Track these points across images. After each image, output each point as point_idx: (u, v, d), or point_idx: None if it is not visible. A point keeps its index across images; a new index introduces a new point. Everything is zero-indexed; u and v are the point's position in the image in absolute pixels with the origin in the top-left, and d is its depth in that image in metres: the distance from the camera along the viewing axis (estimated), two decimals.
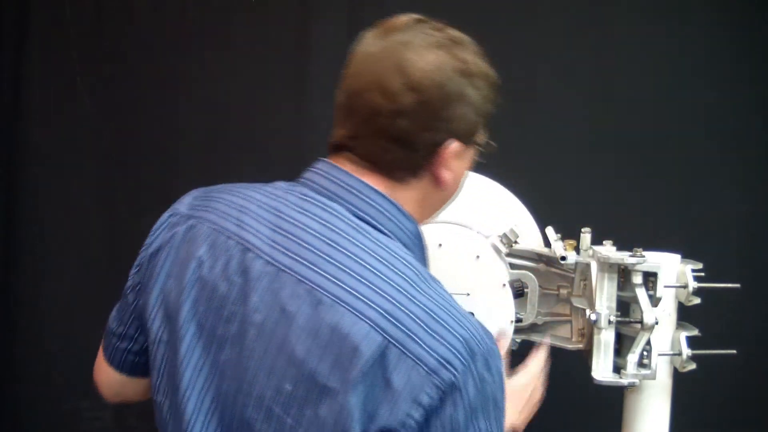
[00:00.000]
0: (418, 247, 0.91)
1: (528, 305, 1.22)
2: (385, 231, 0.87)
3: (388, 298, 0.80)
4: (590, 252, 1.17)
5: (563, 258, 1.17)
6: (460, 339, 0.80)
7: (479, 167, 0.99)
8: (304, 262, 0.83)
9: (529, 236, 1.28)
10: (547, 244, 1.26)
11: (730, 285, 1.15)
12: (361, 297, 0.80)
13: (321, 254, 0.83)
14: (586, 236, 1.19)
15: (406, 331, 0.79)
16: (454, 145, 0.88)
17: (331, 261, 0.83)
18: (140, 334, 0.96)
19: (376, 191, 0.88)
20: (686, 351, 1.13)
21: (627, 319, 1.14)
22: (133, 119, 1.94)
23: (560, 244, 1.19)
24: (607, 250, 1.15)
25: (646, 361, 1.12)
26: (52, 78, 1.93)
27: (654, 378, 1.12)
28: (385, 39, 0.89)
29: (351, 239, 0.84)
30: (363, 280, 0.81)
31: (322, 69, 1.81)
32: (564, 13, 1.82)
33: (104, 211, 1.95)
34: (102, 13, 1.93)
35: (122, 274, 1.00)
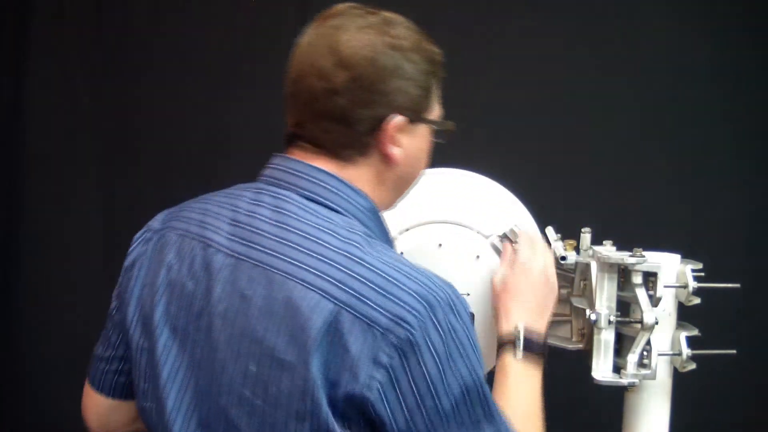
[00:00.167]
0: (374, 222, 0.92)
1: None
2: (336, 208, 0.89)
3: (336, 266, 0.82)
4: (590, 252, 1.17)
5: (563, 258, 1.17)
6: (414, 294, 0.80)
7: (440, 148, 0.99)
8: (258, 248, 0.86)
9: None
10: (547, 244, 1.26)
11: (730, 285, 1.15)
12: (309, 269, 0.82)
13: (272, 237, 0.86)
14: (586, 236, 1.19)
15: (357, 295, 0.80)
16: (396, 119, 0.89)
17: (281, 241, 0.85)
18: (129, 353, 0.96)
19: (323, 171, 0.90)
20: (686, 351, 1.13)
21: (627, 319, 1.14)
22: (133, 119, 1.94)
23: (560, 244, 1.19)
24: (607, 250, 1.15)
25: (646, 361, 1.12)
26: (52, 78, 1.93)
27: (654, 378, 1.12)
28: (320, 27, 0.91)
29: (299, 218, 0.86)
30: (311, 253, 0.83)
31: None
32: (564, 13, 1.83)
33: (104, 211, 1.95)
34: (102, 13, 1.93)
35: None
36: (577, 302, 1.19)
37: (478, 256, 1.18)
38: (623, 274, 1.15)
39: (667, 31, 1.81)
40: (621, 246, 1.15)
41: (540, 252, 1.13)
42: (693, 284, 1.12)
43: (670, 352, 1.15)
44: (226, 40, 1.90)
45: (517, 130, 1.83)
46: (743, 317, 1.72)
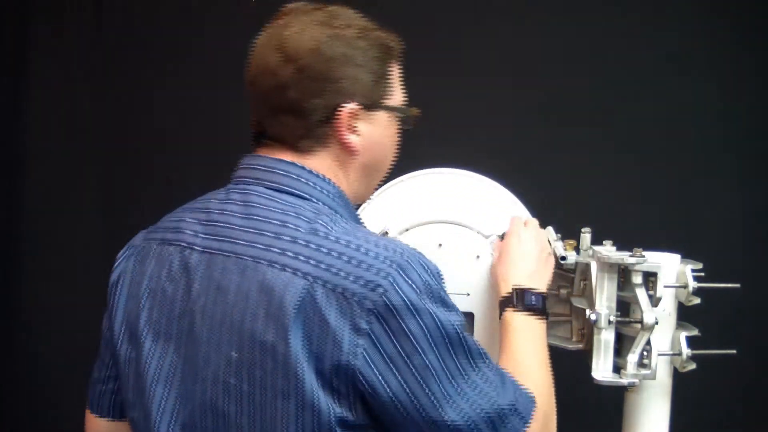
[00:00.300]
0: (342, 207, 0.93)
1: None
2: (303, 194, 0.90)
3: (304, 243, 0.84)
4: (590, 252, 1.17)
5: (563, 258, 1.17)
6: (384, 259, 0.82)
7: (408, 134, 1.00)
8: (229, 240, 0.88)
9: None
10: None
11: (730, 285, 1.15)
12: (278, 251, 0.84)
13: (241, 228, 0.88)
14: (586, 236, 1.19)
15: (327, 268, 0.82)
16: (349, 107, 0.91)
17: (250, 230, 0.87)
18: (119, 367, 0.96)
19: (286, 162, 0.92)
20: (686, 351, 1.13)
21: (627, 319, 1.14)
22: (133, 119, 1.94)
23: (560, 244, 1.19)
24: (607, 250, 1.15)
25: (646, 361, 1.12)
26: (52, 78, 1.93)
27: (654, 378, 1.12)
28: (270, 27, 0.94)
29: (266, 207, 0.88)
30: (278, 236, 0.85)
31: None
32: (564, 13, 1.83)
33: (104, 211, 1.95)
34: (102, 13, 1.93)
35: None
36: (577, 302, 1.19)
37: (478, 256, 1.18)
38: (623, 274, 1.15)
39: (668, 30, 1.81)
40: (621, 246, 1.15)
41: (532, 226, 1.16)
42: (693, 284, 1.12)
43: (670, 352, 1.15)
44: (226, 40, 1.90)
45: (517, 130, 1.83)
46: (743, 317, 1.72)
